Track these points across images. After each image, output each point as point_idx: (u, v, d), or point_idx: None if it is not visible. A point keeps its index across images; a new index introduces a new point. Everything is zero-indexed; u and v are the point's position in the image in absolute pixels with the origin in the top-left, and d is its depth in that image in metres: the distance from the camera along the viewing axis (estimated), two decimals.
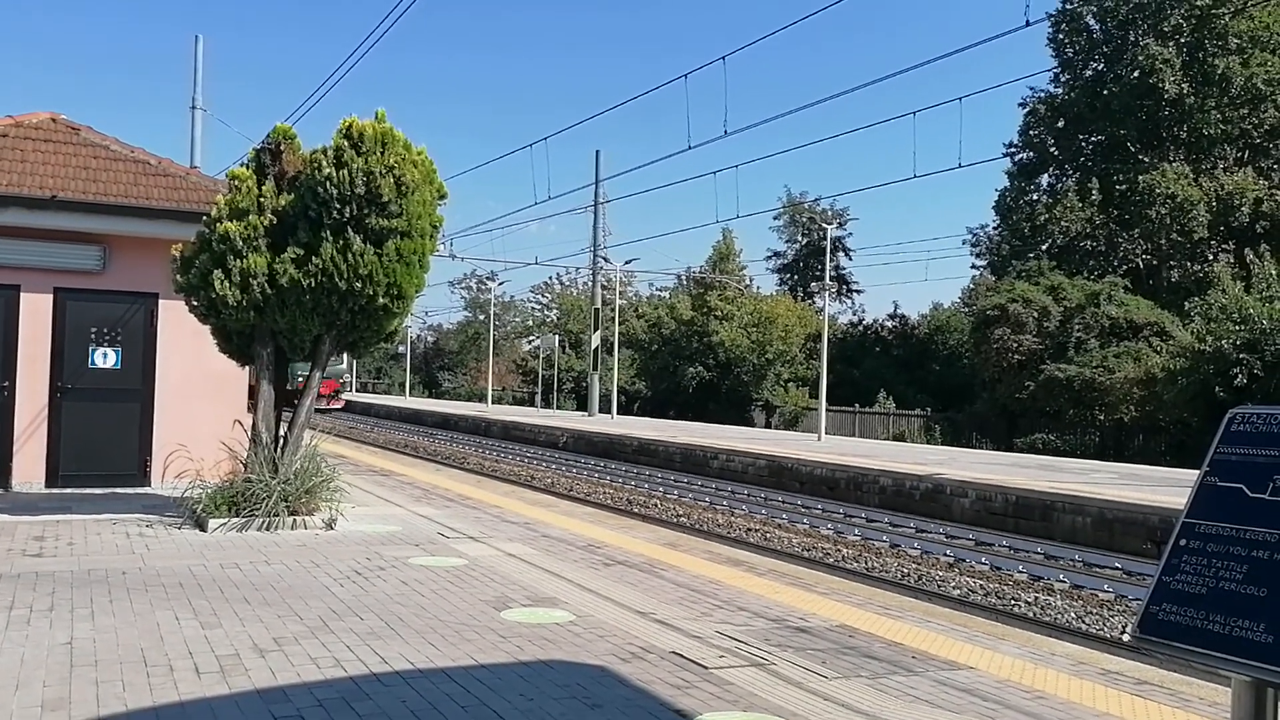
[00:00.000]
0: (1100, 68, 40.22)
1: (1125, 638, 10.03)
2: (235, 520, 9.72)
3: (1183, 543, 2.92)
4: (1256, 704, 2.71)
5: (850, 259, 69.82)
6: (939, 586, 12.88)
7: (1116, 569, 13.57)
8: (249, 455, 10.22)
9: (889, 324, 62.85)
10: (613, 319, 48.24)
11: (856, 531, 16.73)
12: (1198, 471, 3.03)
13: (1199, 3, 35.86)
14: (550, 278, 77.60)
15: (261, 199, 10.19)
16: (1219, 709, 5.16)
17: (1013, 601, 12.14)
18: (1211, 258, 39.10)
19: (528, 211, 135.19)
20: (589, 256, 47.66)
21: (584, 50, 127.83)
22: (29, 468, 12.09)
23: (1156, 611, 2.87)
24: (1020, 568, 13.81)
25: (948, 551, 14.96)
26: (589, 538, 10.15)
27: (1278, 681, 2.60)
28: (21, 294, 12.09)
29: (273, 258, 9.95)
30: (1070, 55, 40.85)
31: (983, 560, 14.34)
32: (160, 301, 12.38)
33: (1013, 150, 42.91)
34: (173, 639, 5.86)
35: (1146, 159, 38.77)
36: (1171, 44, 36.91)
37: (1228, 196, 37.84)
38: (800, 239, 69.59)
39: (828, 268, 40.00)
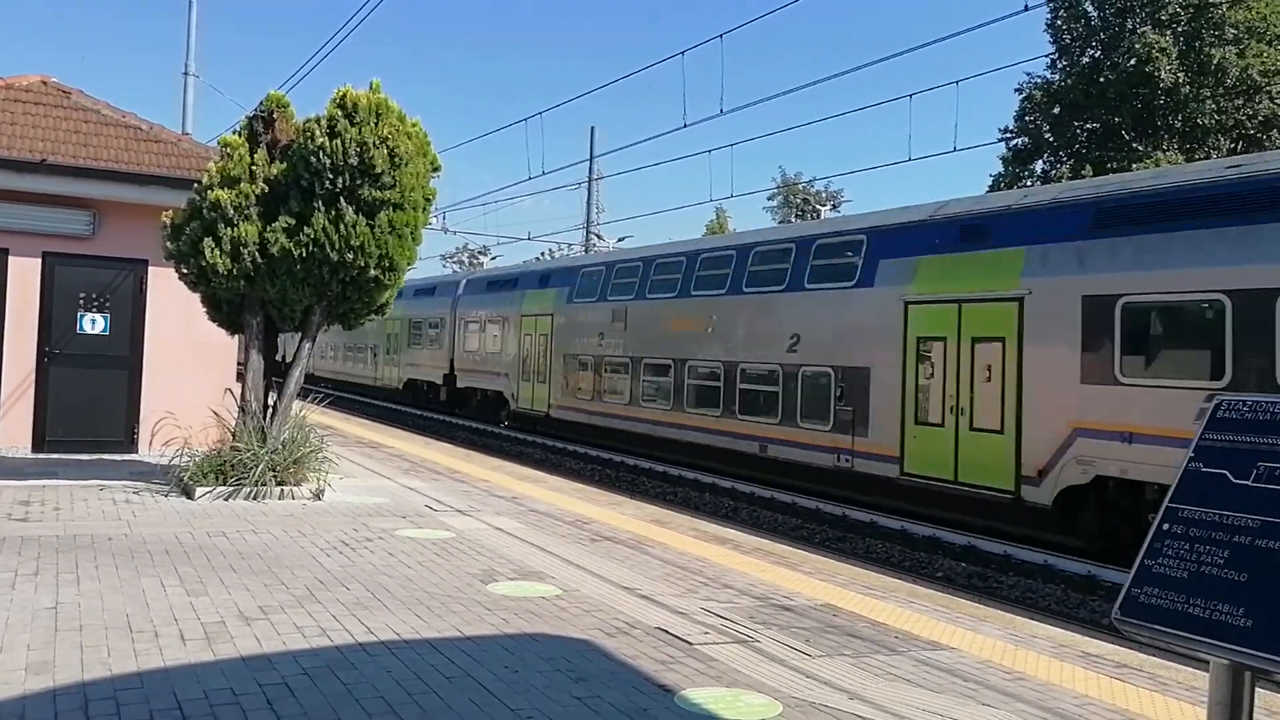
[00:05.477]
0: (1097, 55, 40.15)
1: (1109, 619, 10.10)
2: (223, 489, 9.71)
3: (1166, 527, 2.95)
4: (1234, 687, 2.74)
5: None
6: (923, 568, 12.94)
7: None
8: (237, 424, 10.21)
9: None
10: None
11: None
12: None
13: None
14: (543, 253, 77.52)
15: (254, 167, 10.14)
16: (1196, 693, 5.22)
17: (995, 584, 12.22)
18: None
19: (521, 186, 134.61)
20: (582, 233, 47.54)
21: (580, 25, 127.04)
22: (15, 432, 12.06)
23: (1138, 594, 2.90)
24: None
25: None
26: (576, 513, 10.18)
27: (1256, 665, 2.63)
28: (10, 258, 12.04)
29: (264, 226, 9.91)
30: (1068, 41, 40.74)
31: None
32: (150, 268, 12.34)
33: (1008, 135, 42.78)
34: (158, 605, 5.87)
35: (1141, 147, 38.76)
36: (1169, 33, 36.88)
37: None
38: (793, 220, 69.54)
39: None
